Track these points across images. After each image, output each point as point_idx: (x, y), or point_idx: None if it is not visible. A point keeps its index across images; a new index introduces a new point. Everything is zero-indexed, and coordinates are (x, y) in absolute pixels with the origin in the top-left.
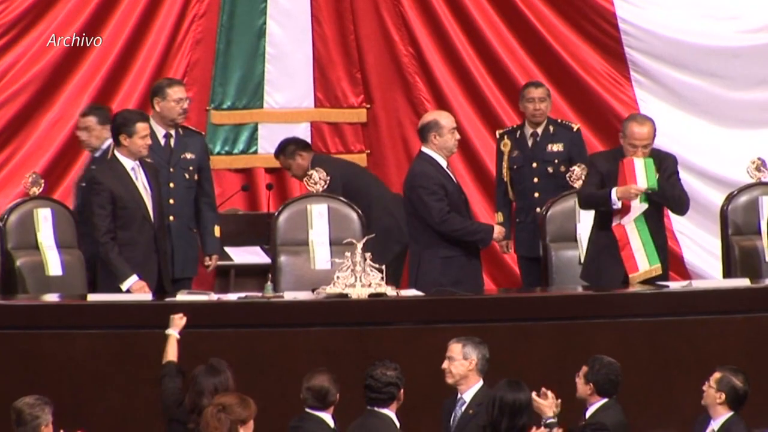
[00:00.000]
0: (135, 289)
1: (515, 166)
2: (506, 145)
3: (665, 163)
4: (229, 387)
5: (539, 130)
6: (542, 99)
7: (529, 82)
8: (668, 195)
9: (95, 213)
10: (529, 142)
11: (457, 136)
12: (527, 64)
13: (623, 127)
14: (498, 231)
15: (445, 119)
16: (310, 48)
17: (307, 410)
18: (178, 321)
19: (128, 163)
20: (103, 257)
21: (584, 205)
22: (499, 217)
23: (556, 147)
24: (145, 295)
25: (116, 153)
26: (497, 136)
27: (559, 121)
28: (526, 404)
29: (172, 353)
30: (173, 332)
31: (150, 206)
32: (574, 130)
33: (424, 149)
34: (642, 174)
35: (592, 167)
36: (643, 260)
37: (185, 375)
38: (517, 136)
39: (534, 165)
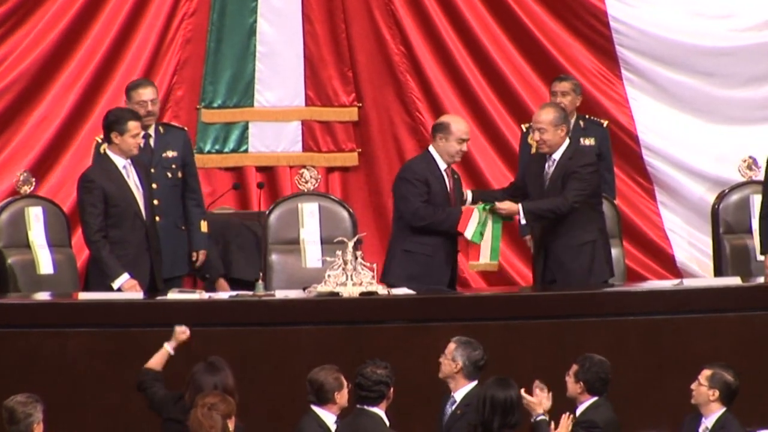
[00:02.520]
0: (126, 288)
1: None
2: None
3: (575, 161)
4: (228, 385)
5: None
6: (564, 93)
7: (557, 76)
8: (543, 218)
9: (87, 211)
10: None
11: (464, 148)
12: (518, 62)
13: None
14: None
15: (456, 125)
16: (301, 46)
17: (311, 406)
18: (180, 335)
19: (120, 162)
20: (94, 256)
21: None
22: None
23: (589, 141)
24: (137, 294)
25: (107, 151)
26: (524, 129)
27: (588, 116)
28: (516, 401)
29: (155, 362)
30: (167, 347)
31: (142, 205)
32: (604, 126)
33: (430, 147)
34: (473, 226)
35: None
36: (486, 253)
37: (164, 381)
38: None
39: None
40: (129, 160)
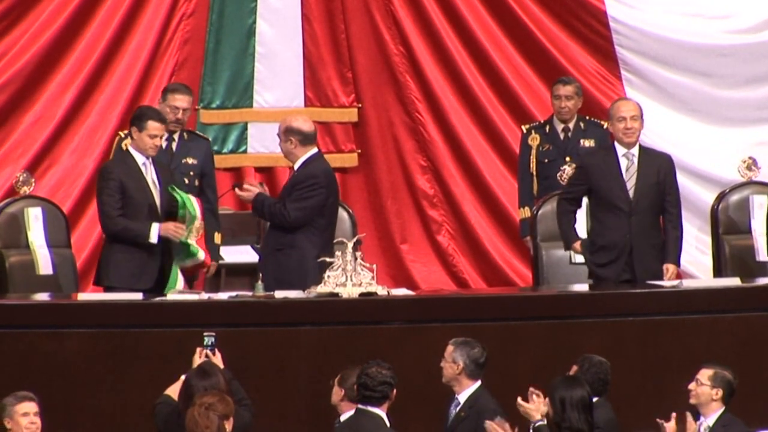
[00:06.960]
0: (164, 230)
1: (546, 160)
2: (534, 139)
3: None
4: (220, 389)
5: (570, 125)
6: (569, 97)
7: (559, 78)
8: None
9: (104, 201)
10: (561, 136)
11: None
12: (518, 63)
13: (609, 113)
14: None
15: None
16: (301, 47)
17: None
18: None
19: (139, 158)
20: (121, 235)
21: (557, 218)
22: (526, 212)
23: (589, 142)
24: (136, 295)
25: (129, 147)
26: (524, 130)
27: (588, 118)
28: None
29: (174, 390)
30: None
31: (158, 201)
32: (604, 127)
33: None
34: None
35: (579, 170)
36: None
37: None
38: (547, 130)
39: (567, 159)
40: (149, 159)
